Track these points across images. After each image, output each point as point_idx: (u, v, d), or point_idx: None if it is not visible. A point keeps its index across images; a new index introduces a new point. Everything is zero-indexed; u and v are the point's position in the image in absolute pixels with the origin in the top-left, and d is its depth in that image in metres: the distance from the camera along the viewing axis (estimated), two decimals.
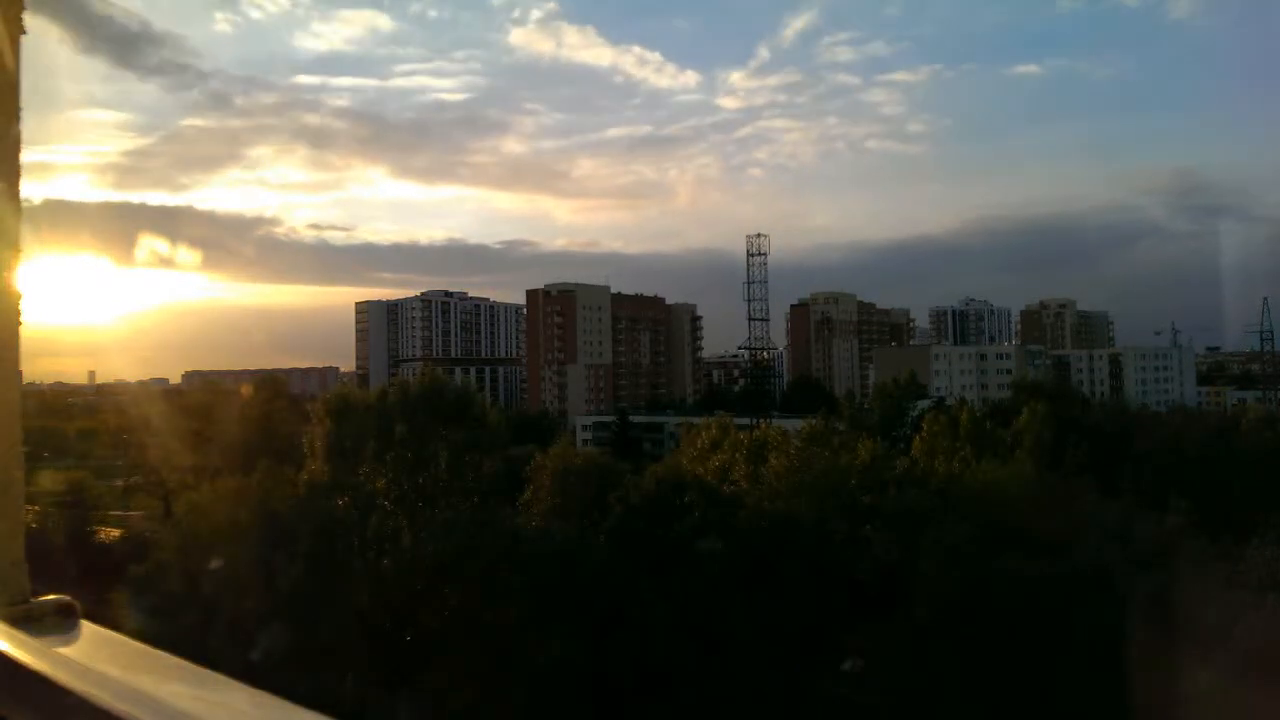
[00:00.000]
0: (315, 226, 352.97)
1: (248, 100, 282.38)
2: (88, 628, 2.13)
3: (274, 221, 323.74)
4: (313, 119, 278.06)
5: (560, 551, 34.67)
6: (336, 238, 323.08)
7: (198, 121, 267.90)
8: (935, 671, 31.77)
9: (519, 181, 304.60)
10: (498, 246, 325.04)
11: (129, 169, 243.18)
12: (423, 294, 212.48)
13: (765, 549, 36.11)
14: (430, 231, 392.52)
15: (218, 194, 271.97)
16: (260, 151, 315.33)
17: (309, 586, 31.07)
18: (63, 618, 2.14)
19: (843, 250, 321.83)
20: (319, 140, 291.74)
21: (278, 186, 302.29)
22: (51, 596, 2.20)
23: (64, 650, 1.99)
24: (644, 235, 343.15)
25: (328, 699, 26.75)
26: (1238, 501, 44.10)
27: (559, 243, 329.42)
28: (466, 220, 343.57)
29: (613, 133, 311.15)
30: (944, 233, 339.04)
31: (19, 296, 2.28)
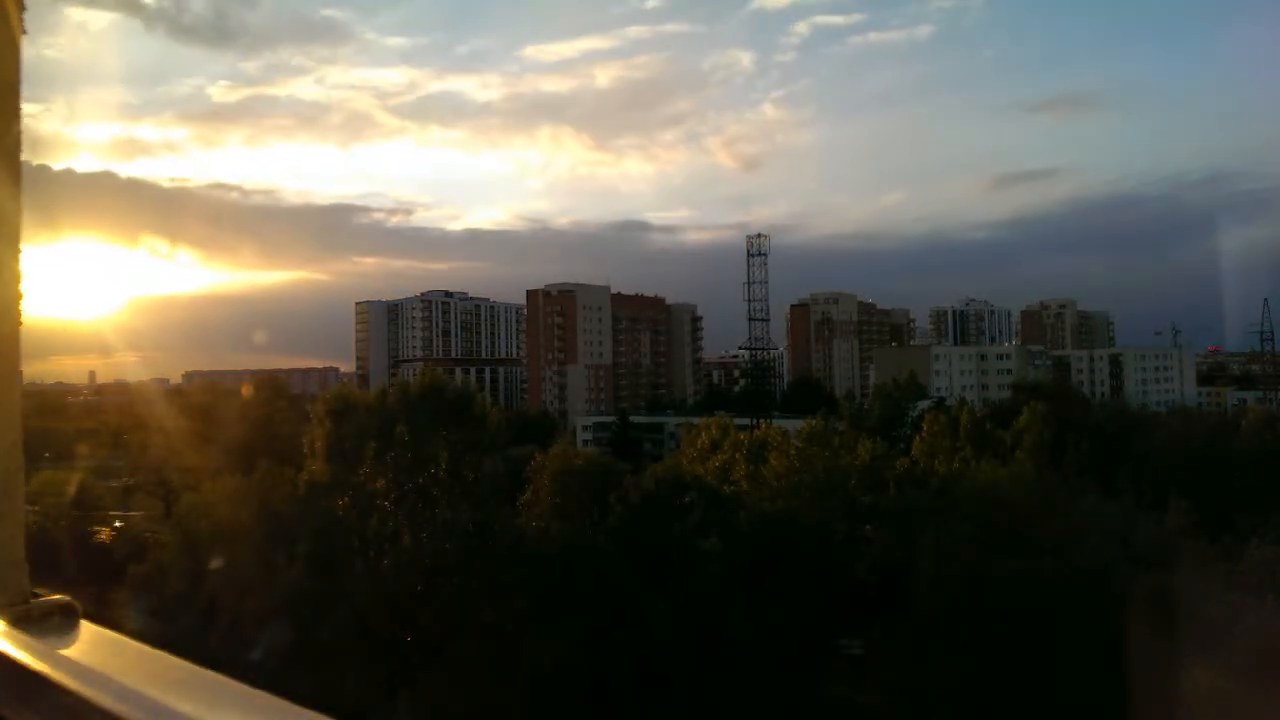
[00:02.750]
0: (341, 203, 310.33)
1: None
2: (88, 628, 2.12)
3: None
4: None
5: (560, 552, 34.68)
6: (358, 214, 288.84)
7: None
8: (935, 671, 31.76)
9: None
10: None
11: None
12: (423, 294, 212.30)
13: (765, 549, 36.10)
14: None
15: (206, 163, 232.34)
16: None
17: (309, 587, 31.07)
18: (63, 618, 2.14)
19: (909, 238, 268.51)
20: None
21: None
22: (51, 596, 2.20)
23: (64, 650, 1.98)
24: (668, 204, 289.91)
25: (328, 699, 26.71)
26: (1238, 501, 44.05)
27: (563, 222, 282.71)
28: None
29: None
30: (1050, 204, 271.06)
31: (20, 296, 2.28)
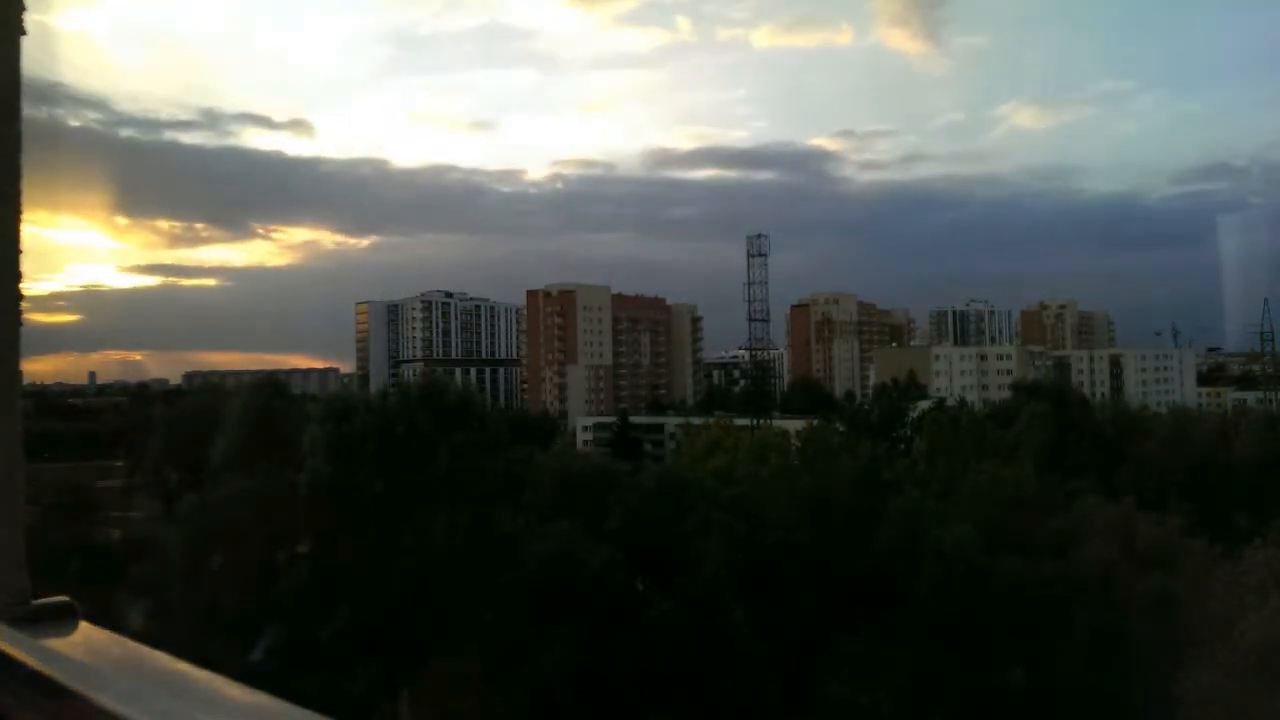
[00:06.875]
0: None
1: None
2: (88, 628, 2.12)
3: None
4: None
5: (560, 552, 34.65)
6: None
7: None
8: (935, 672, 31.74)
9: None
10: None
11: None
12: (422, 294, 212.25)
13: (765, 550, 36.09)
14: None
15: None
16: None
17: (309, 587, 31.08)
18: (63, 618, 2.14)
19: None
20: None
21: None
22: (51, 597, 2.20)
23: (64, 650, 1.98)
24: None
25: (328, 699, 26.76)
26: (1238, 502, 44.02)
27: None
28: None
29: None
30: None
31: (20, 296, 2.28)
